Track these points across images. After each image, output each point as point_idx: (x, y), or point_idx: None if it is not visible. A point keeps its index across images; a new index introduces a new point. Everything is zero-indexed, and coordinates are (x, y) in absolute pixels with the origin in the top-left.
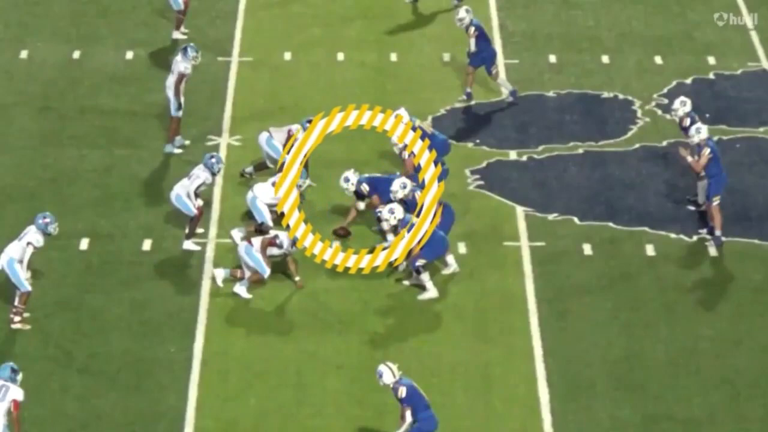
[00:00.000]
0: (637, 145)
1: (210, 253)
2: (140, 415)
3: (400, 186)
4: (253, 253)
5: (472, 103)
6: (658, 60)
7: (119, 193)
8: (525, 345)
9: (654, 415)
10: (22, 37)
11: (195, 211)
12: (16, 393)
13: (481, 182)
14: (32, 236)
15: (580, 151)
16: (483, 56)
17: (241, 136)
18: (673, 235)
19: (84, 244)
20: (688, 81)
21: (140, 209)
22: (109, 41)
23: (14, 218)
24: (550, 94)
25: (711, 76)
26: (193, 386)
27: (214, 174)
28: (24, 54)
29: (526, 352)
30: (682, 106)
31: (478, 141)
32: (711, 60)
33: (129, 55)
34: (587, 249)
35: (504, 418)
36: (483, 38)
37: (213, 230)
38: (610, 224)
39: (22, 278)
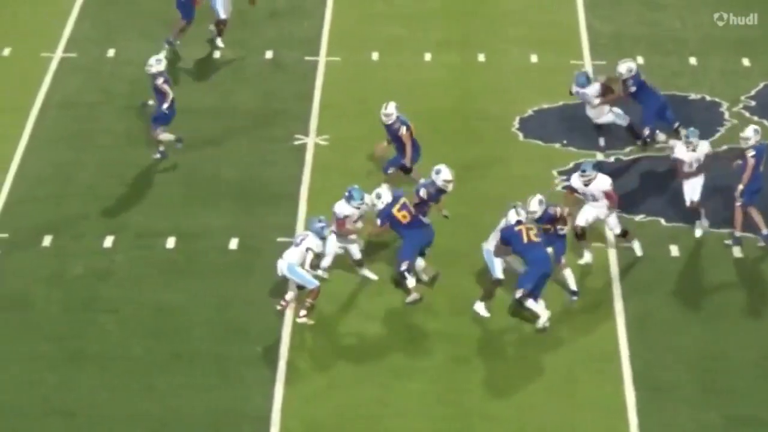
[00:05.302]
0: (724, 147)
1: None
2: (225, 415)
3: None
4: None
5: (559, 104)
6: (745, 62)
7: (204, 192)
8: (611, 346)
9: (739, 418)
10: (110, 36)
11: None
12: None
13: (568, 183)
14: (311, 241)
15: (667, 152)
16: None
17: (328, 135)
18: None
19: (170, 243)
20: None
21: (225, 208)
22: (196, 41)
23: (98, 217)
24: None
25: None
26: (278, 386)
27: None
28: (111, 53)
29: (611, 354)
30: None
31: (565, 142)
32: None
33: (216, 54)
34: (674, 251)
35: (589, 420)
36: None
37: (300, 228)
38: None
39: (308, 276)
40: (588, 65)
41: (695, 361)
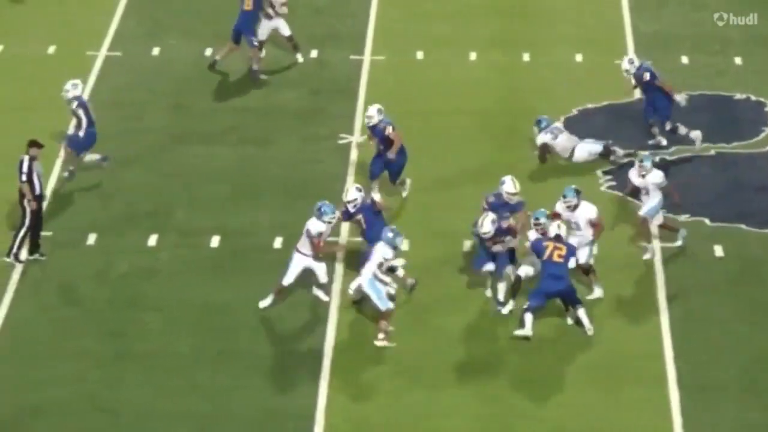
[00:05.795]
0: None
1: (341, 252)
2: (269, 413)
3: None
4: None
5: (604, 103)
6: None
7: (249, 191)
8: (655, 346)
9: None
10: (155, 34)
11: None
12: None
13: (613, 183)
14: (383, 252)
15: (712, 152)
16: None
17: None
18: None
19: (215, 241)
20: None
21: (271, 207)
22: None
23: (143, 215)
24: (682, 95)
25: None
26: (323, 384)
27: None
28: (156, 51)
29: (655, 353)
30: None
31: (610, 142)
32: None
33: (261, 53)
34: (718, 250)
35: (634, 419)
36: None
37: (345, 230)
38: (742, 226)
39: (385, 295)
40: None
41: (740, 361)
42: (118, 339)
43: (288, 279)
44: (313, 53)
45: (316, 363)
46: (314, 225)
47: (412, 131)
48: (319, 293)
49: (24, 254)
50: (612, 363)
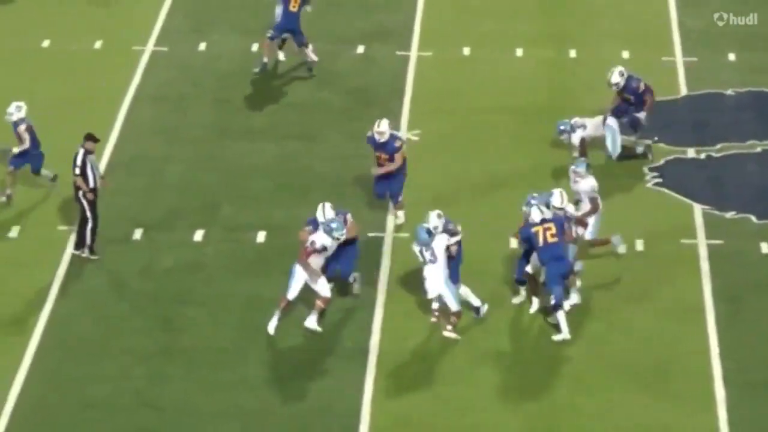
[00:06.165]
0: None
1: (387, 247)
2: (315, 409)
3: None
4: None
5: None
6: None
7: (294, 186)
8: (701, 343)
9: None
10: (201, 30)
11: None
12: None
13: (659, 180)
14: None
15: (758, 149)
16: None
17: (419, 130)
18: None
19: (260, 236)
20: None
21: (315, 202)
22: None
23: (189, 210)
24: (729, 92)
25: None
26: (368, 381)
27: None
28: (202, 46)
29: (702, 351)
30: None
31: (656, 138)
32: None
33: (309, 48)
34: (764, 248)
35: (680, 417)
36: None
37: (390, 224)
38: None
39: (456, 297)
40: (679, 62)
41: None
42: (163, 334)
43: (293, 293)
44: (360, 49)
45: (361, 359)
46: (321, 238)
47: (458, 128)
48: (312, 321)
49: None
50: (657, 359)
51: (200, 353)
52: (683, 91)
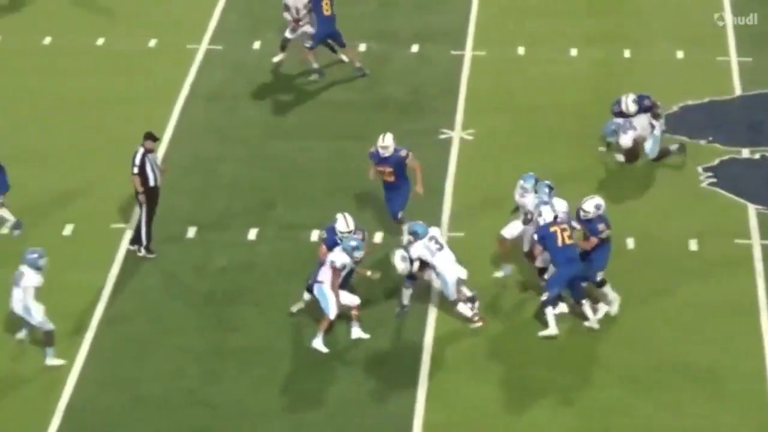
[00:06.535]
0: None
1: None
2: (368, 408)
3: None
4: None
5: (705, 100)
6: None
7: (348, 186)
8: (755, 344)
9: None
10: (256, 29)
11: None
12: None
13: (713, 179)
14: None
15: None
16: None
17: (473, 130)
18: None
19: (314, 235)
20: None
21: (369, 202)
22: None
23: (242, 209)
24: None
25: None
26: (422, 379)
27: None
28: (257, 45)
29: (756, 352)
30: None
31: (710, 138)
32: None
33: (362, 47)
34: None
35: (733, 417)
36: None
37: (445, 222)
38: None
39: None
40: (734, 62)
41: None
42: (216, 333)
43: (334, 311)
44: (414, 48)
45: (415, 361)
46: (340, 257)
47: (512, 127)
48: (358, 331)
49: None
50: (710, 360)
51: (253, 353)
52: (738, 91)
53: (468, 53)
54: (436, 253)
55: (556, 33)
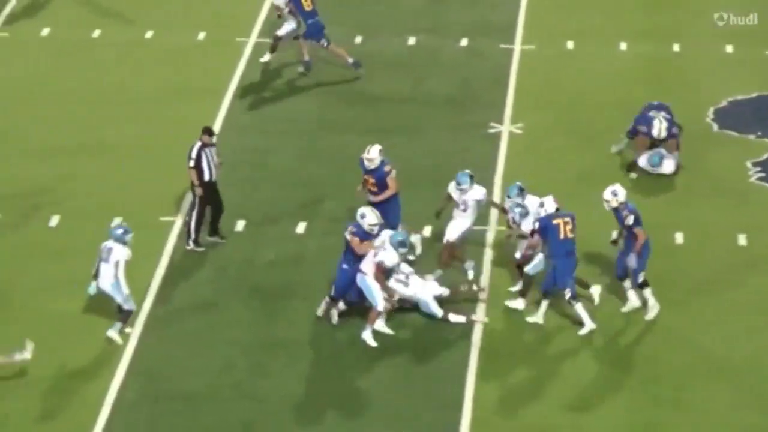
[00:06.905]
0: None
1: (489, 240)
2: (416, 402)
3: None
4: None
5: (754, 95)
6: None
7: (398, 180)
8: None
9: None
10: None
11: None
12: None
13: (762, 174)
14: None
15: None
16: None
17: (522, 124)
18: None
19: None
20: None
21: (419, 196)
22: (389, 28)
23: (291, 203)
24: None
25: None
26: (470, 375)
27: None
28: None
29: None
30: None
31: (759, 133)
32: None
33: (411, 41)
34: None
35: None
36: None
37: (493, 216)
38: None
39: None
40: None
41: None
42: (265, 327)
43: (381, 304)
44: (464, 42)
45: (464, 352)
46: (390, 258)
47: (561, 121)
48: (366, 337)
49: (202, 239)
50: (759, 358)
51: (301, 346)
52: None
53: (517, 47)
54: (408, 284)
55: (606, 27)
